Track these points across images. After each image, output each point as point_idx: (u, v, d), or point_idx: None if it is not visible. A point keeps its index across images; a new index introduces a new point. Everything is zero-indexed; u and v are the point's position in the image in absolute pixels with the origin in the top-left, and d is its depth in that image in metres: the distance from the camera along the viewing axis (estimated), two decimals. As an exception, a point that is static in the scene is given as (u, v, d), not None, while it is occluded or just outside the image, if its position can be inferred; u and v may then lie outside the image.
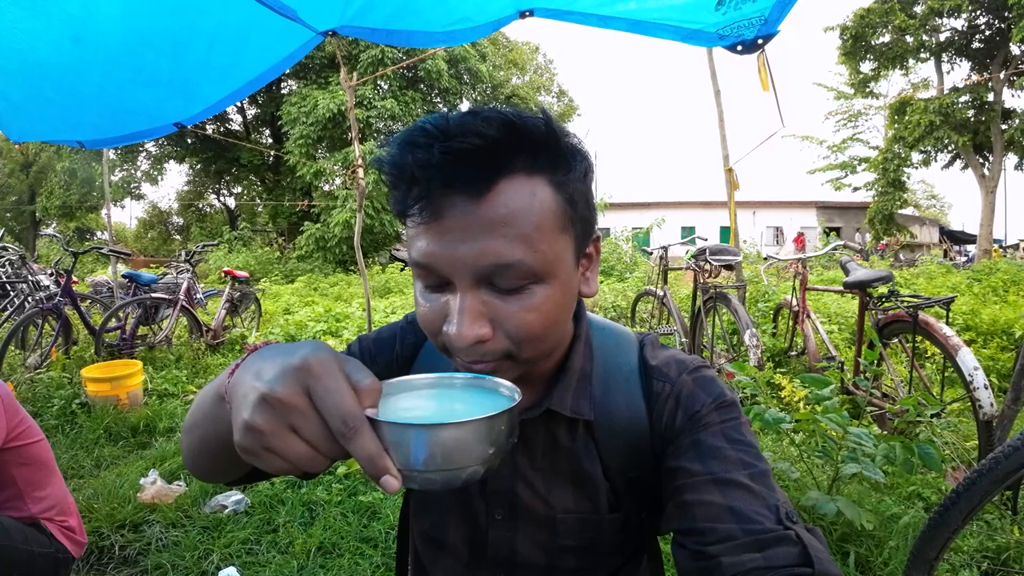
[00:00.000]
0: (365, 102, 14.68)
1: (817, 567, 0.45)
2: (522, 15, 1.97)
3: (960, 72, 16.87)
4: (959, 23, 15.68)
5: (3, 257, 4.65)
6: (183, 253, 5.45)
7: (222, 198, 24.78)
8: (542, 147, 0.50)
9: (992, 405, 1.88)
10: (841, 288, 2.89)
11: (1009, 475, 0.94)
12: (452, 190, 0.48)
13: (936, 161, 17.61)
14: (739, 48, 1.80)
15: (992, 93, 15.18)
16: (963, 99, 15.35)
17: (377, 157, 0.52)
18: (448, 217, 0.48)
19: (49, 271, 4.92)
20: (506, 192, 0.48)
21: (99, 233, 26.14)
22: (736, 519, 0.50)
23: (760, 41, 1.77)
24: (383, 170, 0.51)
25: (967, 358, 1.96)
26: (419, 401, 0.49)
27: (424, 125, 0.49)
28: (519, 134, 0.48)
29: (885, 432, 2.24)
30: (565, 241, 0.53)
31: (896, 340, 2.49)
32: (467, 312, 0.49)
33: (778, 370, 3.28)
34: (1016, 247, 18.63)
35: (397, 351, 0.73)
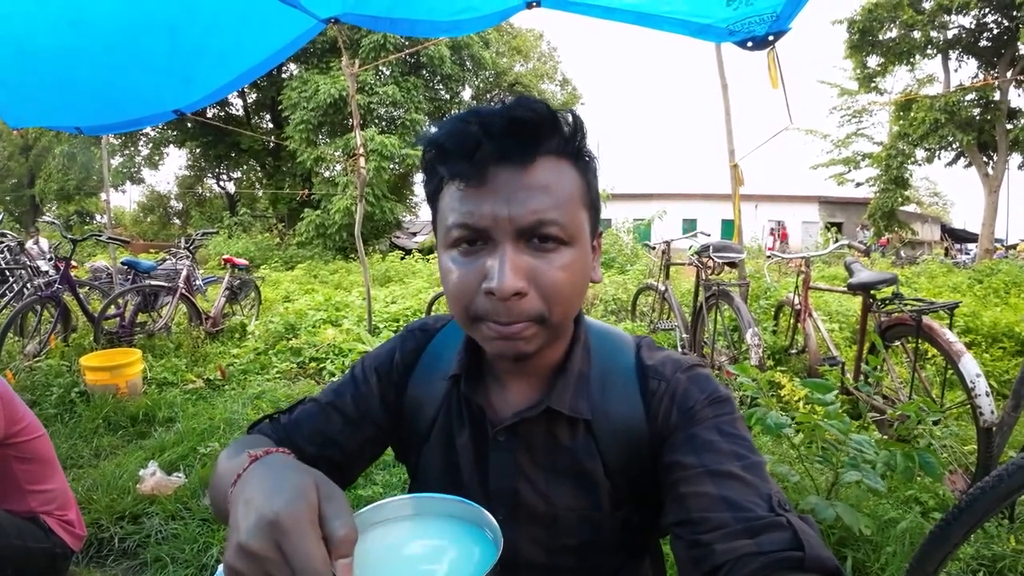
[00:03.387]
0: (367, 88, 14.54)
1: (808, 551, 0.47)
2: (529, 5, 1.94)
3: (967, 70, 16.81)
4: (967, 21, 15.53)
5: (2, 243, 4.62)
6: (182, 240, 5.41)
7: (222, 183, 24.68)
8: (571, 136, 0.59)
9: (993, 412, 1.88)
10: (844, 288, 2.87)
11: (1012, 493, 0.93)
12: (502, 160, 0.55)
13: (939, 159, 17.53)
14: (749, 44, 1.77)
15: (998, 92, 15.07)
16: (969, 97, 15.24)
17: (428, 137, 0.58)
18: (495, 182, 0.55)
19: (48, 256, 4.89)
20: (543, 166, 0.57)
21: (98, 216, 26.02)
22: (729, 508, 0.52)
23: (771, 38, 1.73)
24: (438, 143, 0.57)
25: (969, 365, 1.96)
26: (396, 532, 0.48)
27: (479, 108, 0.56)
28: (557, 119, 0.57)
29: (885, 436, 2.24)
30: (585, 218, 0.60)
31: (898, 342, 2.49)
32: (509, 264, 0.54)
33: (778, 368, 3.27)
34: (1015, 247, 18.61)
35: (397, 360, 0.77)
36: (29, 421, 1.29)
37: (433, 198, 0.62)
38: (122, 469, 2.26)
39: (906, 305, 2.35)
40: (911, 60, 16.53)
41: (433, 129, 0.58)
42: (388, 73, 15.60)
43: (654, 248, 4.40)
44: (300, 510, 0.40)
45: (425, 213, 18.76)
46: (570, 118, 0.59)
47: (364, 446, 0.74)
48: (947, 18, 15.40)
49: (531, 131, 0.55)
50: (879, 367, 2.36)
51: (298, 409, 0.75)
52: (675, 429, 0.62)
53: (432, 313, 4.74)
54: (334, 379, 3.58)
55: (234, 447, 0.63)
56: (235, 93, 19.37)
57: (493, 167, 0.55)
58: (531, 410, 0.65)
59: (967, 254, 19.08)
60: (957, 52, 16.18)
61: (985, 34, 15.54)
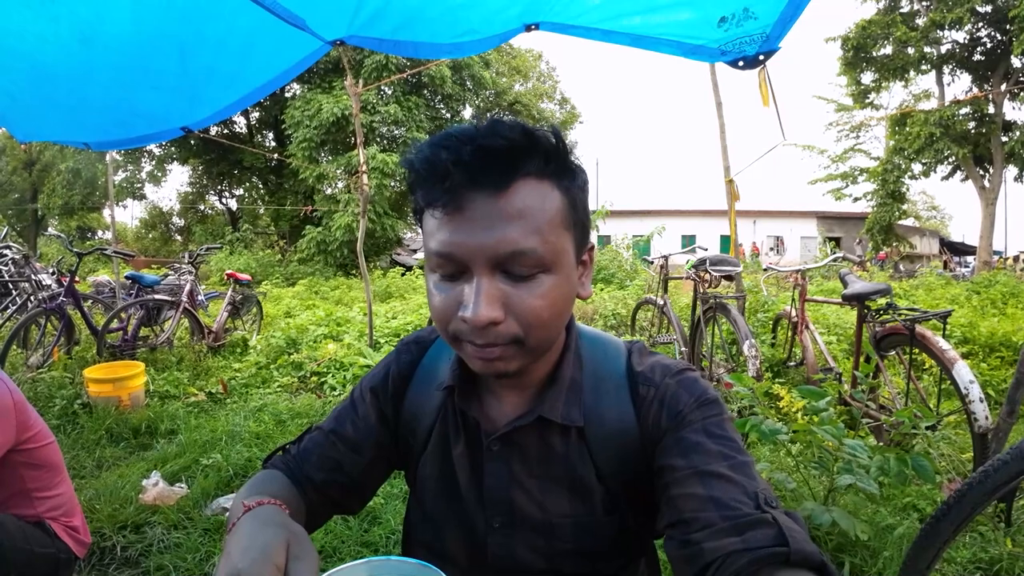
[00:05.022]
0: (369, 107, 14.72)
1: (792, 545, 0.49)
2: (528, 28, 2.00)
3: (961, 84, 17.00)
4: (960, 36, 15.78)
5: (5, 256, 4.67)
6: (186, 255, 5.47)
7: (224, 200, 24.82)
8: (552, 155, 0.57)
9: (987, 418, 1.90)
10: (840, 300, 2.91)
11: (999, 488, 0.96)
12: (476, 186, 0.53)
13: (936, 172, 17.66)
14: (740, 64, 1.83)
15: (992, 105, 15.25)
16: (963, 111, 15.41)
17: (407, 158, 0.57)
18: (471, 209, 0.54)
19: (51, 270, 4.94)
20: (521, 190, 0.55)
21: (100, 232, 26.15)
22: (717, 507, 0.54)
23: (761, 57, 1.79)
24: (413, 168, 0.56)
25: (963, 371, 1.98)
26: None
27: (454, 131, 0.56)
28: (534, 141, 0.55)
29: (882, 444, 2.25)
30: (568, 239, 0.59)
31: (893, 352, 2.51)
32: (483, 295, 0.54)
33: (777, 380, 3.29)
34: (1016, 259, 18.66)
35: (393, 373, 0.79)
36: (40, 428, 1.31)
37: (418, 217, 0.61)
38: (124, 480, 2.27)
39: (900, 315, 2.38)
40: (905, 76, 16.74)
41: (412, 151, 0.57)
42: (390, 92, 15.80)
43: (653, 263, 4.44)
44: (263, 569, 0.45)
45: (426, 229, 18.76)
46: (551, 137, 0.57)
47: (368, 467, 0.77)
48: (940, 34, 15.64)
49: (501, 158, 0.53)
50: (873, 374, 2.38)
51: (306, 438, 0.78)
52: (665, 432, 0.63)
53: (432, 327, 4.76)
54: (335, 391, 3.61)
55: (246, 488, 0.69)
56: (238, 112, 19.58)
57: (468, 193, 0.54)
58: (523, 419, 0.66)
59: (966, 267, 19.13)
60: (951, 67, 16.41)
61: (979, 48, 15.77)
